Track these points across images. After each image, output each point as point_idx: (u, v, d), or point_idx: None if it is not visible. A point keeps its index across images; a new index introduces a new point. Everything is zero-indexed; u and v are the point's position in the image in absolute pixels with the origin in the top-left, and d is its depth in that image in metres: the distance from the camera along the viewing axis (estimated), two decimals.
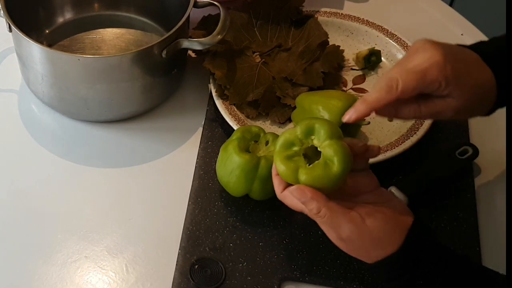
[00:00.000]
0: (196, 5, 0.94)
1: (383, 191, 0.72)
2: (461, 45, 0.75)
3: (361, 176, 0.72)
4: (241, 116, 0.93)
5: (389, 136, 0.92)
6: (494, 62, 0.73)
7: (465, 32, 1.12)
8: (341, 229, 0.68)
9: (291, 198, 0.70)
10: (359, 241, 0.68)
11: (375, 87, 0.70)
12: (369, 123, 0.86)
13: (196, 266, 0.79)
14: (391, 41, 1.03)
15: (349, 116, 0.71)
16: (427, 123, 0.91)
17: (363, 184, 0.72)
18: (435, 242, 0.70)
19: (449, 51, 0.71)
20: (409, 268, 0.68)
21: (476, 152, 0.90)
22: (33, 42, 0.86)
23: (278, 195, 0.72)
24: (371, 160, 0.87)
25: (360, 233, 0.68)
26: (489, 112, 0.76)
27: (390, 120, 0.91)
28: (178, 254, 0.80)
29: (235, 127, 0.90)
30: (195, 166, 0.90)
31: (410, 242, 0.68)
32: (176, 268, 0.79)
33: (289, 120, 0.95)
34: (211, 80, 0.95)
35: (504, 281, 0.68)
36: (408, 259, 0.68)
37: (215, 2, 0.95)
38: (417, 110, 0.72)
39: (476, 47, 0.75)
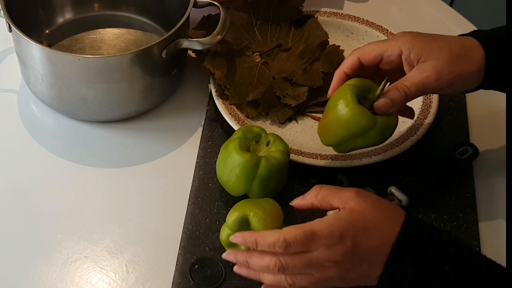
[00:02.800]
0: (196, 5, 0.94)
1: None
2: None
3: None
4: (241, 116, 0.93)
5: None
6: (488, 42, 0.77)
7: (465, 32, 1.12)
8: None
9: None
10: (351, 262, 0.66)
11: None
12: None
13: (196, 266, 0.79)
14: None
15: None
16: (427, 123, 0.91)
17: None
18: (428, 233, 0.68)
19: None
20: (417, 256, 0.66)
21: (476, 152, 0.90)
22: (33, 42, 0.86)
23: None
24: (372, 160, 0.87)
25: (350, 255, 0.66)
26: (474, 88, 0.80)
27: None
28: (178, 254, 0.80)
29: (235, 127, 0.90)
30: (195, 166, 0.90)
31: (406, 233, 0.66)
32: (176, 268, 0.79)
33: (289, 120, 0.95)
34: (211, 80, 0.95)
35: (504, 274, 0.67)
36: (412, 248, 0.66)
37: (215, 2, 0.95)
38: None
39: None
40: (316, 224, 0.66)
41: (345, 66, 0.80)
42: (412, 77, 0.76)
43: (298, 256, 0.66)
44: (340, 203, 0.68)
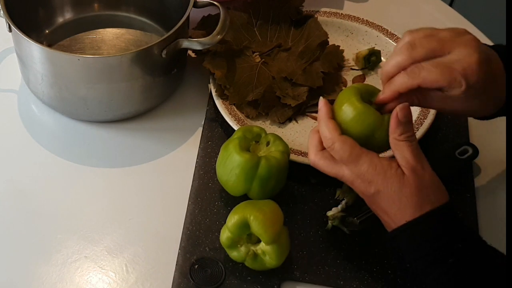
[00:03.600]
0: (196, 5, 0.94)
1: None
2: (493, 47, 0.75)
3: None
4: (241, 116, 0.93)
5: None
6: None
7: None
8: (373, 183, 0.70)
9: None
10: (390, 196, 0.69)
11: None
12: None
13: (196, 266, 0.79)
14: (391, 41, 1.03)
15: (379, 99, 0.74)
16: (427, 123, 0.91)
17: None
18: (462, 223, 0.70)
19: (485, 57, 0.71)
20: (431, 239, 0.68)
21: (476, 152, 0.90)
22: (33, 42, 0.86)
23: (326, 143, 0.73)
24: None
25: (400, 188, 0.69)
26: (491, 115, 0.78)
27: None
28: (178, 254, 0.80)
29: (235, 127, 0.90)
30: (195, 166, 0.90)
31: (436, 213, 0.69)
32: (176, 268, 0.79)
33: (289, 120, 0.95)
34: (211, 80, 0.96)
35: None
36: (432, 228, 0.68)
37: (215, 2, 0.95)
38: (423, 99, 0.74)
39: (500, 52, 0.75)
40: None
41: (402, 87, 0.73)
42: None
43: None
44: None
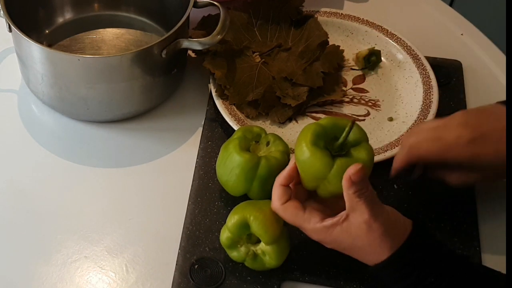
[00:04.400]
0: (196, 5, 0.94)
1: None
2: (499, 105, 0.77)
3: None
4: (241, 116, 0.93)
5: (389, 136, 0.92)
6: None
7: (465, 32, 1.12)
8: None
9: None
10: (363, 240, 0.69)
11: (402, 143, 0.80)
12: None
13: (196, 266, 0.79)
14: (391, 41, 1.03)
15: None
16: None
17: None
18: (437, 243, 0.71)
19: (478, 135, 0.74)
20: (412, 268, 0.68)
21: None
22: (33, 42, 0.86)
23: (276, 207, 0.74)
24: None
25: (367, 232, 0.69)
26: None
27: None
28: (178, 254, 0.80)
29: (235, 127, 0.90)
30: (195, 166, 0.90)
31: (412, 242, 0.69)
32: (176, 268, 0.79)
33: (289, 120, 0.95)
34: (211, 80, 0.95)
35: (505, 281, 0.68)
36: (411, 258, 0.68)
37: (215, 2, 0.95)
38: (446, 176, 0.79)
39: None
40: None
41: (402, 163, 0.79)
42: None
43: None
44: None
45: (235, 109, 0.93)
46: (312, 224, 0.71)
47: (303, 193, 0.76)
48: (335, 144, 0.71)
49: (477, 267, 0.73)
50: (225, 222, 0.77)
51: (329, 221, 0.71)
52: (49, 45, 1.00)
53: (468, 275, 0.69)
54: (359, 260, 0.72)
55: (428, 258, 0.69)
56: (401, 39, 1.03)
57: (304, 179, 0.74)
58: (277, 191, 0.74)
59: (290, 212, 0.72)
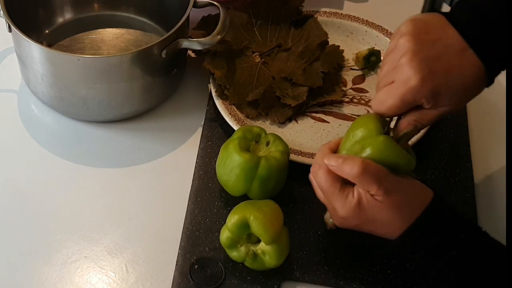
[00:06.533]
0: (196, 5, 0.94)
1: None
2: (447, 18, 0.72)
3: None
4: (241, 116, 0.93)
5: None
6: (478, 39, 0.71)
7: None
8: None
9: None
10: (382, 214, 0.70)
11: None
12: None
13: (196, 266, 0.79)
14: None
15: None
16: None
17: None
18: (456, 213, 0.71)
19: (428, 65, 0.69)
20: (433, 234, 0.69)
21: None
22: (33, 42, 0.86)
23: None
24: None
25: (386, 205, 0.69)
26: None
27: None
28: (178, 254, 0.80)
29: (235, 127, 0.90)
30: (195, 166, 0.90)
31: (431, 210, 0.70)
32: (176, 268, 0.79)
33: (289, 120, 0.95)
34: (211, 80, 0.96)
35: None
36: (431, 225, 0.69)
37: (214, 2, 0.95)
38: (412, 122, 0.74)
39: (459, 23, 0.71)
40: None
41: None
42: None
43: None
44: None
45: (235, 109, 0.93)
46: (350, 199, 0.71)
47: None
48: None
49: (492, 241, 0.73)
50: (225, 222, 0.77)
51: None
52: (49, 45, 1.00)
53: (481, 248, 0.70)
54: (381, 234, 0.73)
55: (447, 225, 0.70)
56: None
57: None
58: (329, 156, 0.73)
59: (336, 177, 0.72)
